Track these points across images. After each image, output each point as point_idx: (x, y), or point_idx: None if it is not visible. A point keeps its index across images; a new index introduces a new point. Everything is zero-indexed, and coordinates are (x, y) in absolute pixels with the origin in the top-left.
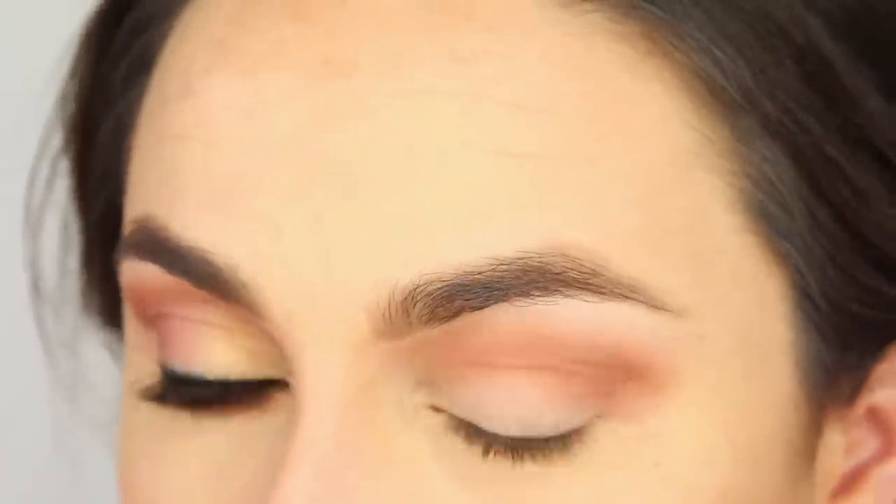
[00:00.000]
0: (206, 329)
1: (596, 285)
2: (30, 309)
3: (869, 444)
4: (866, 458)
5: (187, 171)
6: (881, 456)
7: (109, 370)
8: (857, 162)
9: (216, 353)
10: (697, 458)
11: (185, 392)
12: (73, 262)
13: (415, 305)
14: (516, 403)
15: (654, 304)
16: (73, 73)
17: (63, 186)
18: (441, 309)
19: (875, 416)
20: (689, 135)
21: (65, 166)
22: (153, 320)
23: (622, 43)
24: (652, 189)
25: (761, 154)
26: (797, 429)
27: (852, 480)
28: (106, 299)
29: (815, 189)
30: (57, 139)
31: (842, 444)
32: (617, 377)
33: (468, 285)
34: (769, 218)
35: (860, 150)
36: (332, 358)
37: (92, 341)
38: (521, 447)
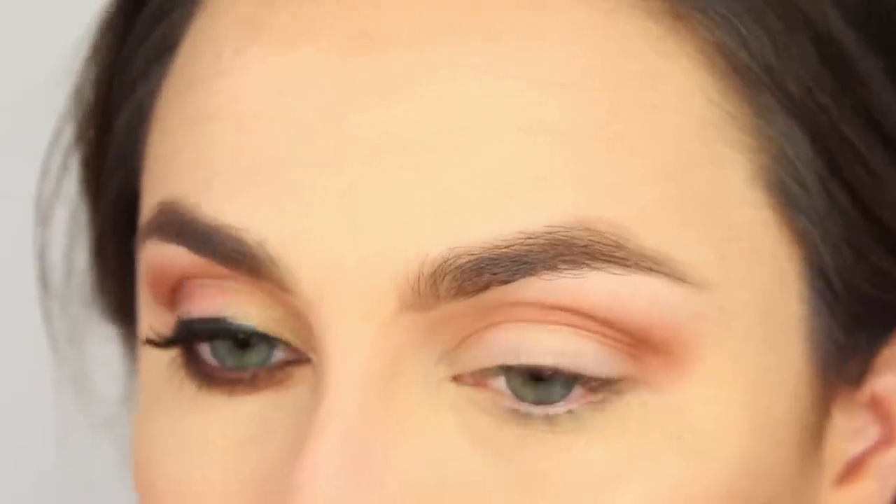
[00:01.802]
0: (229, 291)
1: (621, 258)
2: (36, 304)
3: (871, 432)
4: (868, 446)
5: (218, 151)
6: (882, 444)
7: (115, 367)
8: (870, 144)
9: (237, 304)
10: (719, 431)
11: (201, 335)
12: (82, 256)
13: (443, 279)
14: (554, 335)
15: (678, 277)
16: (91, 60)
17: (73, 179)
18: (469, 283)
19: (877, 404)
20: (710, 110)
21: (75, 160)
22: (172, 294)
23: (647, 19)
24: (676, 163)
25: (780, 131)
26: (808, 407)
27: (855, 468)
28: (117, 288)
29: (831, 168)
30: (68, 132)
31: (847, 428)
32: (642, 348)
33: (497, 259)
34: (788, 194)
35: (873, 133)
36: (359, 331)
37: (98, 337)
38: (546, 414)
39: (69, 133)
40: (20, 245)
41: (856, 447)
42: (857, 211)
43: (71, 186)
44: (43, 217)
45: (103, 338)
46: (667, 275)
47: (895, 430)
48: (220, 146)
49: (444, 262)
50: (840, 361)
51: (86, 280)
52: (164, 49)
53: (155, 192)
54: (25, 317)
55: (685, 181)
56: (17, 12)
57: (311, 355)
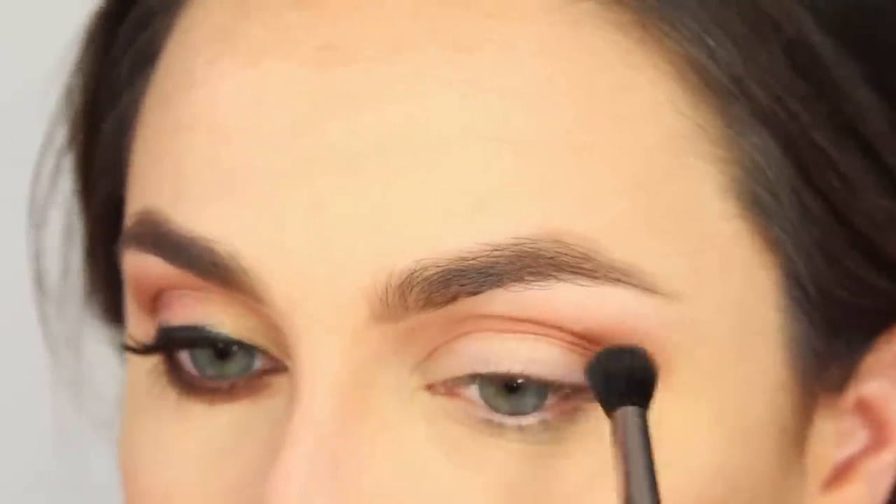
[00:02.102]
0: (207, 301)
1: (589, 269)
2: (33, 305)
3: (859, 436)
4: (857, 451)
5: (192, 162)
6: (871, 448)
7: (112, 367)
8: (845, 151)
9: (215, 313)
10: (690, 441)
11: (180, 342)
12: (77, 258)
13: (411, 290)
14: (524, 343)
15: (647, 288)
16: (78, 68)
17: (67, 182)
18: (437, 294)
19: (864, 408)
20: (681, 122)
21: (69, 162)
22: (152, 302)
23: (615, 31)
24: (645, 175)
25: (752, 142)
26: (788, 414)
27: (844, 472)
28: (109, 293)
29: (804, 177)
30: (61, 134)
31: (833, 433)
32: None
33: (464, 271)
34: (760, 205)
35: (849, 140)
36: (330, 342)
37: (95, 338)
38: (519, 424)
39: (61, 135)
40: (16, 247)
41: (843, 452)
42: (830, 218)
43: (65, 188)
44: (37, 219)
45: (100, 338)
46: (636, 286)
47: (885, 435)
48: (194, 157)
49: (412, 273)
50: (820, 368)
51: (81, 281)
52: (147, 58)
53: (135, 201)
54: (22, 319)
55: (655, 193)
56: (8, 15)
57: (288, 362)
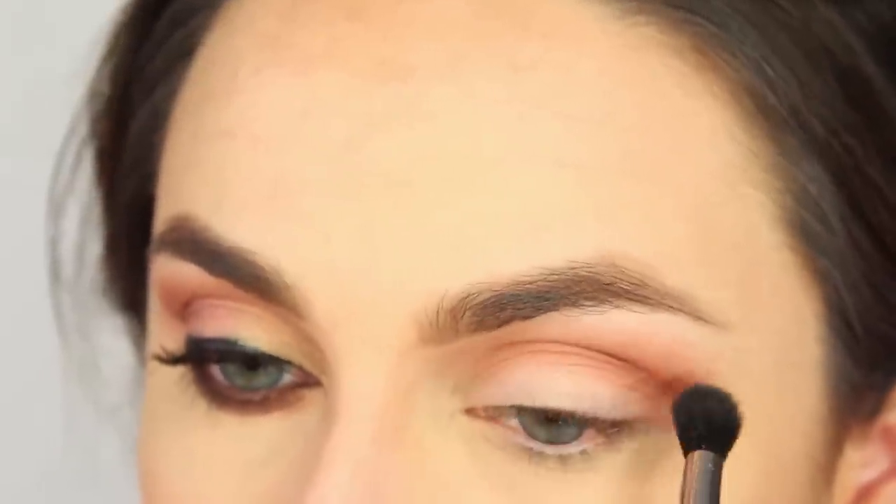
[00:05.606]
0: (240, 313)
1: (644, 296)
2: (47, 293)
3: (880, 461)
4: (876, 476)
5: (232, 170)
6: (890, 474)
7: (123, 355)
8: (894, 184)
9: (248, 326)
10: (730, 472)
11: (211, 355)
12: (93, 248)
13: (464, 315)
14: (569, 377)
15: (699, 317)
16: (108, 59)
17: (86, 172)
18: (491, 318)
19: (888, 436)
20: (735, 149)
21: (89, 153)
22: (183, 309)
23: (674, 56)
24: (701, 203)
25: (804, 171)
26: (821, 445)
27: (864, 495)
28: (128, 284)
29: (854, 209)
30: (84, 127)
31: (859, 461)
32: (658, 387)
33: (519, 295)
34: (810, 235)
35: None
36: (374, 363)
37: (107, 326)
38: (560, 454)
39: (84, 128)
40: (32, 236)
41: (866, 475)
42: (878, 252)
43: (84, 180)
44: (56, 209)
45: (112, 327)
46: (689, 314)
47: None
48: (234, 165)
49: (466, 297)
50: (855, 400)
51: (96, 272)
52: (182, 55)
53: (168, 205)
54: (36, 307)
55: (709, 220)
56: (34, 7)
57: (323, 378)
